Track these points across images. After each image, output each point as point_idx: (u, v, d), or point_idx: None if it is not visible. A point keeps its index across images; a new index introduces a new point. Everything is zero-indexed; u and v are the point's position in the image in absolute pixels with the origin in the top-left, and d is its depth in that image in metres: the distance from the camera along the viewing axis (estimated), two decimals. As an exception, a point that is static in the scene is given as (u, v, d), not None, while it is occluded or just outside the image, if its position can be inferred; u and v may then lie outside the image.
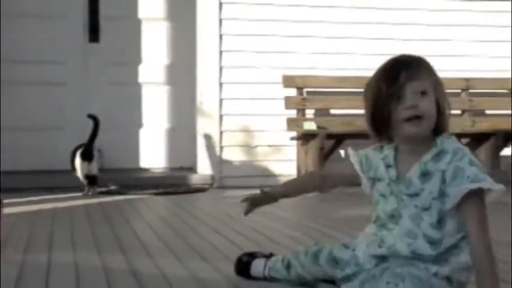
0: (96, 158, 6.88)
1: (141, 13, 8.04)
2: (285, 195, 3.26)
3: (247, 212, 3.15)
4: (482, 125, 8.10)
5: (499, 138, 7.73)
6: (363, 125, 7.18)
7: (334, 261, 2.89)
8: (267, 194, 3.22)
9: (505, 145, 7.91)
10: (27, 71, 7.49)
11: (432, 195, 2.65)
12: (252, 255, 3.32)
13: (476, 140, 7.77)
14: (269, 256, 3.30)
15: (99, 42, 7.83)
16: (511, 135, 7.82)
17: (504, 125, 7.86)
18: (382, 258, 2.75)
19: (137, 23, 8.04)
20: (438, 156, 2.66)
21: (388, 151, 2.79)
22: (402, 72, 2.65)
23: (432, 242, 2.67)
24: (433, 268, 2.66)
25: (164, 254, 3.96)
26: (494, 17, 8.49)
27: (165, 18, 8.12)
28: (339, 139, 7.56)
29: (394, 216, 2.74)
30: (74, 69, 7.73)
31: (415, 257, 2.68)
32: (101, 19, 7.82)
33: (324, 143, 7.33)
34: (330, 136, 7.43)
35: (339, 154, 7.81)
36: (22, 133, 7.38)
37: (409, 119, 2.60)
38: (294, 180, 3.44)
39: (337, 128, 7.65)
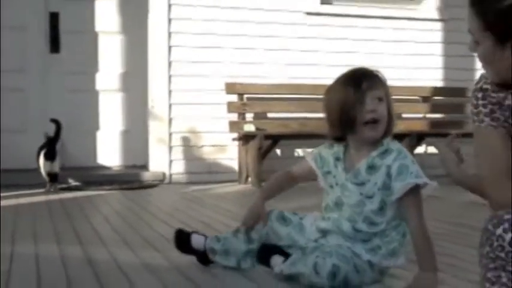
0: (59, 157, 6.84)
1: (98, 27, 7.99)
2: (267, 199, 3.27)
3: (248, 230, 3.20)
4: (399, 127, 8.07)
5: (413, 138, 7.94)
6: (296, 127, 7.26)
7: (283, 219, 3.12)
8: (252, 208, 3.24)
9: (418, 144, 8.09)
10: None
11: (377, 186, 2.87)
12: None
13: (394, 139, 7.89)
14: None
15: (60, 52, 7.75)
16: (423, 136, 8.07)
17: (417, 126, 8.19)
18: (325, 233, 2.94)
19: (94, 35, 7.99)
20: (384, 153, 2.87)
21: (338, 148, 2.99)
22: (364, 81, 2.88)
23: (371, 223, 2.88)
24: (360, 251, 2.84)
25: (119, 245, 3.96)
26: (413, 34, 8.66)
27: (119, 31, 8.06)
28: (275, 139, 7.62)
29: (338, 204, 2.95)
30: (36, 77, 7.66)
31: (355, 233, 2.88)
32: (61, 32, 7.74)
33: (262, 143, 7.34)
34: (267, 137, 7.47)
35: (276, 153, 7.90)
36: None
37: (367, 122, 2.81)
38: (270, 184, 3.42)
39: (273, 130, 7.75)
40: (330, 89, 3.05)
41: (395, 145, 2.95)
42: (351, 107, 2.85)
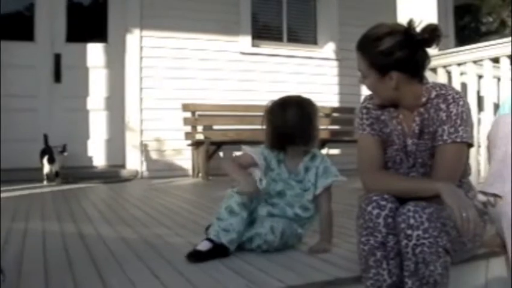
0: (58, 160, 6.93)
1: (89, 63, 8.03)
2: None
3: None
4: None
5: (318, 144, 8.19)
6: (234, 136, 7.57)
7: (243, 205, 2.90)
8: (248, 179, 2.87)
9: (322, 148, 8.07)
10: (15, 102, 7.46)
11: (311, 182, 2.98)
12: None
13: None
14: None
15: (61, 82, 7.80)
16: (326, 142, 8.25)
17: (322, 135, 7.99)
18: (273, 215, 2.99)
19: (86, 69, 8.00)
20: (313, 158, 3.00)
21: (278, 153, 2.99)
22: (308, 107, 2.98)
23: (305, 209, 3.01)
24: (296, 226, 2.99)
25: (101, 222, 4.01)
26: (318, 69, 9.04)
27: (104, 66, 8.09)
28: (218, 145, 7.79)
29: (280, 194, 3.00)
30: (45, 100, 7.69)
31: (295, 217, 3.00)
32: (62, 67, 7.79)
33: (209, 148, 7.50)
34: (212, 143, 7.62)
35: (219, 155, 8.01)
36: (12, 143, 7.30)
37: None
38: (238, 166, 2.91)
39: (217, 138, 7.88)
40: (275, 111, 2.99)
41: (317, 152, 3.07)
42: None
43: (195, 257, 2.74)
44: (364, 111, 2.54)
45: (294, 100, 3.04)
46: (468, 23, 18.86)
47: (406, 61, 2.32)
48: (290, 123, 2.92)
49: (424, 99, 2.41)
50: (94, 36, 8.15)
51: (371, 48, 2.35)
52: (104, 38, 8.16)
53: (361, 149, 2.53)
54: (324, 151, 8.40)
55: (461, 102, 2.36)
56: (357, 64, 2.42)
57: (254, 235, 2.89)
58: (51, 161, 6.89)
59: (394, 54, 2.30)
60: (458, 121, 2.33)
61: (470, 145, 2.41)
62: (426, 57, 2.40)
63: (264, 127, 3.05)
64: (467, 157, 2.50)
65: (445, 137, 2.34)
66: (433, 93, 2.41)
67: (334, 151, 8.71)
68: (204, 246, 2.79)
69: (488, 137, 3.29)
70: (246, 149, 3.08)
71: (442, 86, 2.46)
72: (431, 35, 2.31)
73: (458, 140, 2.32)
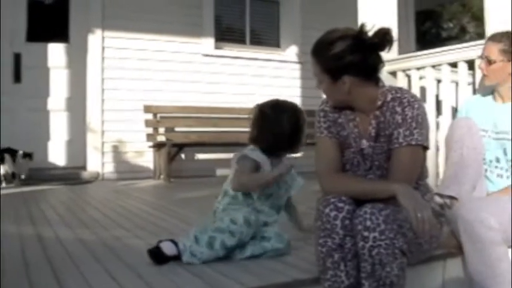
0: (9, 162, 6.81)
1: (50, 63, 7.95)
2: None
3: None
4: None
5: None
6: (195, 138, 7.55)
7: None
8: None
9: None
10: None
11: (287, 184, 3.06)
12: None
13: None
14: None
15: (21, 82, 7.72)
16: None
17: None
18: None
19: (47, 70, 7.92)
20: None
21: (269, 156, 2.98)
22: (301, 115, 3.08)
23: (279, 211, 3.09)
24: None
25: (60, 224, 3.97)
26: (281, 72, 9.06)
27: (65, 66, 8.02)
28: (180, 147, 7.77)
29: (268, 197, 3.00)
30: (4, 101, 7.51)
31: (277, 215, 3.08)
32: (22, 67, 7.70)
33: (171, 150, 7.50)
34: (174, 145, 7.61)
35: (181, 157, 8.05)
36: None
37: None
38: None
39: (179, 140, 7.85)
40: (272, 117, 3.01)
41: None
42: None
43: (157, 257, 2.70)
44: (322, 114, 2.56)
45: (290, 107, 3.13)
46: (429, 28, 19.17)
47: (358, 65, 2.35)
48: (288, 130, 3.00)
49: (379, 103, 2.44)
50: (55, 36, 8.06)
51: (324, 53, 2.38)
52: (65, 38, 8.08)
53: (319, 151, 2.55)
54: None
55: (416, 106, 2.39)
56: (312, 69, 2.46)
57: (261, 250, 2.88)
58: (1, 161, 6.79)
59: (346, 58, 2.33)
60: (414, 124, 2.36)
61: (426, 148, 2.45)
62: (379, 61, 2.43)
63: (252, 130, 3.06)
64: (424, 159, 2.53)
65: (400, 140, 2.36)
66: (389, 97, 2.44)
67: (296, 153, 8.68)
68: (170, 250, 2.73)
69: (445, 141, 3.36)
70: (248, 153, 3.00)
71: (397, 89, 2.50)
72: (383, 39, 2.34)
73: (414, 142, 2.36)
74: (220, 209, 3.00)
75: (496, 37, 3.16)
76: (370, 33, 2.34)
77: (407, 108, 2.38)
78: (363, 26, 2.35)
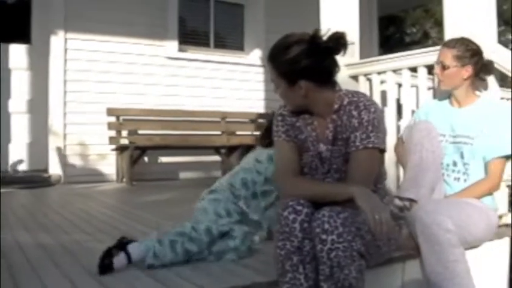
0: None
1: (11, 64, 7.84)
2: None
3: None
4: (234, 141, 8.51)
5: (244, 149, 8.03)
6: (159, 141, 7.51)
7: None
8: None
9: (246, 153, 8.25)
10: None
11: None
12: (108, 255, 2.67)
13: (230, 150, 8.19)
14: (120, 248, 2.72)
15: None
16: (251, 147, 8.30)
17: (247, 140, 8.28)
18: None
19: (8, 71, 7.81)
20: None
21: None
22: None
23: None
24: None
25: (19, 228, 3.93)
26: (244, 75, 9.05)
27: (27, 68, 7.92)
28: (143, 150, 7.74)
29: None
30: None
31: None
32: None
33: (133, 153, 7.47)
34: (137, 148, 7.58)
35: (144, 160, 8.02)
36: None
37: None
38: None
39: (142, 143, 7.84)
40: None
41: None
42: None
43: (105, 270, 2.61)
44: (280, 118, 2.59)
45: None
46: (393, 33, 19.39)
47: (313, 69, 2.37)
48: None
49: (336, 106, 2.47)
50: (17, 37, 7.96)
51: (279, 57, 2.41)
52: (27, 39, 7.99)
53: (278, 155, 2.58)
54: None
55: (372, 109, 2.42)
56: (269, 74, 2.48)
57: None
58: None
59: (301, 63, 2.35)
60: (370, 127, 2.39)
61: (383, 150, 2.48)
62: (335, 65, 2.46)
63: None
64: (382, 162, 2.59)
65: (357, 143, 2.39)
66: (346, 101, 2.47)
67: (260, 156, 8.70)
68: (120, 262, 2.66)
69: (404, 143, 3.41)
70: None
71: (354, 93, 2.52)
72: (337, 43, 2.37)
73: (370, 145, 2.39)
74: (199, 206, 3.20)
75: (451, 43, 3.24)
76: (325, 38, 2.36)
77: (364, 111, 2.41)
78: (317, 30, 2.38)
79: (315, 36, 2.36)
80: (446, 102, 3.36)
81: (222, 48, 9.35)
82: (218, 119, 8.63)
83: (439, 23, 17.16)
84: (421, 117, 3.41)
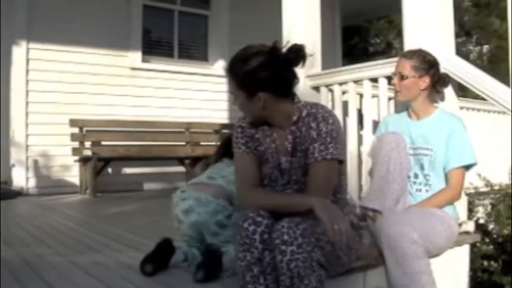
0: None
1: None
2: None
3: None
4: (198, 151, 8.52)
5: (208, 159, 8.27)
6: (122, 152, 7.46)
7: None
8: None
9: (210, 164, 8.38)
10: None
11: None
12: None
13: (194, 161, 8.20)
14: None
15: None
16: None
17: (211, 151, 8.26)
18: None
19: None
20: None
21: None
22: None
23: None
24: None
25: None
26: (208, 85, 9.03)
27: None
28: (106, 161, 7.70)
29: None
30: None
31: None
32: None
33: (97, 164, 7.41)
34: (100, 159, 7.52)
35: (108, 171, 7.96)
36: None
37: None
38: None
39: (105, 154, 7.77)
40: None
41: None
42: None
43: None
44: (239, 130, 2.60)
45: None
46: (357, 43, 19.57)
47: (272, 81, 2.38)
48: None
49: (295, 118, 2.48)
50: (-23, 47, 7.80)
51: (238, 69, 2.40)
52: (-12, 49, 7.84)
53: (238, 166, 2.58)
54: (214, 167, 8.42)
55: (330, 121, 2.44)
56: (228, 86, 2.49)
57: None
58: None
59: (260, 74, 2.35)
60: (328, 139, 2.41)
61: (341, 161, 2.50)
62: (294, 77, 2.47)
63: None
64: (342, 172, 2.60)
65: (316, 155, 2.41)
66: (304, 112, 2.49)
67: (224, 167, 8.69)
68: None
69: (370, 154, 3.46)
70: None
71: (313, 105, 2.54)
72: (296, 55, 2.39)
73: (329, 157, 2.41)
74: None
75: (408, 54, 3.30)
76: (284, 50, 2.38)
77: (322, 123, 2.43)
78: (276, 42, 2.39)
79: (274, 48, 2.37)
80: (404, 114, 3.42)
81: (186, 58, 9.37)
82: (182, 130, 8.63)
83: (401, 34, 17.32)
84: (382, 131, 3.45)
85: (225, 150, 3.33)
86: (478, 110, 6.68)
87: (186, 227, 3.00)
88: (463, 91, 4.00)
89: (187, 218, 2.98)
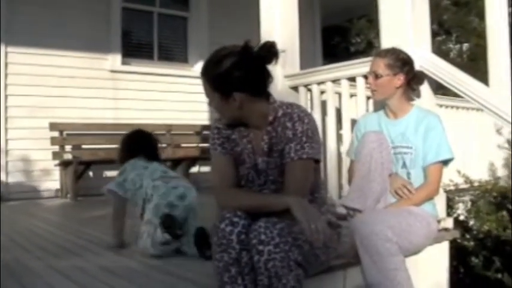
0: None
1: None
2: None
3: None
4: (179, 153, 8.54)
5: (189, 161, 8.30)
6: (103, 155, 7.45)
7: None
8: None
9: (192, 165, 8.42)
10: None
11: None
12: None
13: (175, 163, 8.21)
14: None
15: None
16: (196, 159, 8.43)
17: (192, 153, 8.45)
18: None
19: None
20: None
21: None
22: None
23: None
24: None
25: None
26: (189, 87, 8.90)
27: None
28: (87, 165, 7.69)
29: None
30: None
31: None
32: None
33: (77, 168, 7.39)
34: (81, 163, 7.52)
35: (89, 175, 7.95)
36: None
37: None
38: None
39: (86, 157, 7.76)
40: None
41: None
42: None
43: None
44: (215, 131, 2.59)
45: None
46: (338, 43, 19.63)
47: (246, 80, 2.38)
48: None
49: (271, 118, 2.48)
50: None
51: (212, 71, 2.40)
52: (-35, 53, 7.78)
53: (214, 167, 2.58)
54: (195, 168, 8.52)
55: (306, 120, 2.44)
56: (203, 90, 2.47)
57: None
58: None
59: (233, 75, 2.35)
60: (304, 138, 2.41)
61: (318, 161, 2.51)
62: (268, 75, 2.47)
63: None
64: (319, 172, 2.61)
65: (292, 154, 2.41)
66: (280, 112, 2.49)
67: (205, 168, 8.76)
68: None
69: (347, 153, 3.47)
70: None
71: (288, 104, 2.54)
72: (269, 52, 2.38)
73: (304, 156, 2.40)
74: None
75: (382, 53, 3.33)
76: (256, 48, 2.38)
77: (298, 123, 2.43)
78: (247, 41, 2.38)
79: (246, 47, 2.37)
80: (382, 114, 3.43)
81: (166, 60, 9.37)
82: (163, 132, 8.58)
83: (381, 33, 17.44)
84: (361, 131, 3.46)
85: (128, 153, 3.88)
86: (457, 107, 6.74)
87: (181, 210, 3.34)
88: (443, 89, 4.03)
89: (182, 203, 3.36)
